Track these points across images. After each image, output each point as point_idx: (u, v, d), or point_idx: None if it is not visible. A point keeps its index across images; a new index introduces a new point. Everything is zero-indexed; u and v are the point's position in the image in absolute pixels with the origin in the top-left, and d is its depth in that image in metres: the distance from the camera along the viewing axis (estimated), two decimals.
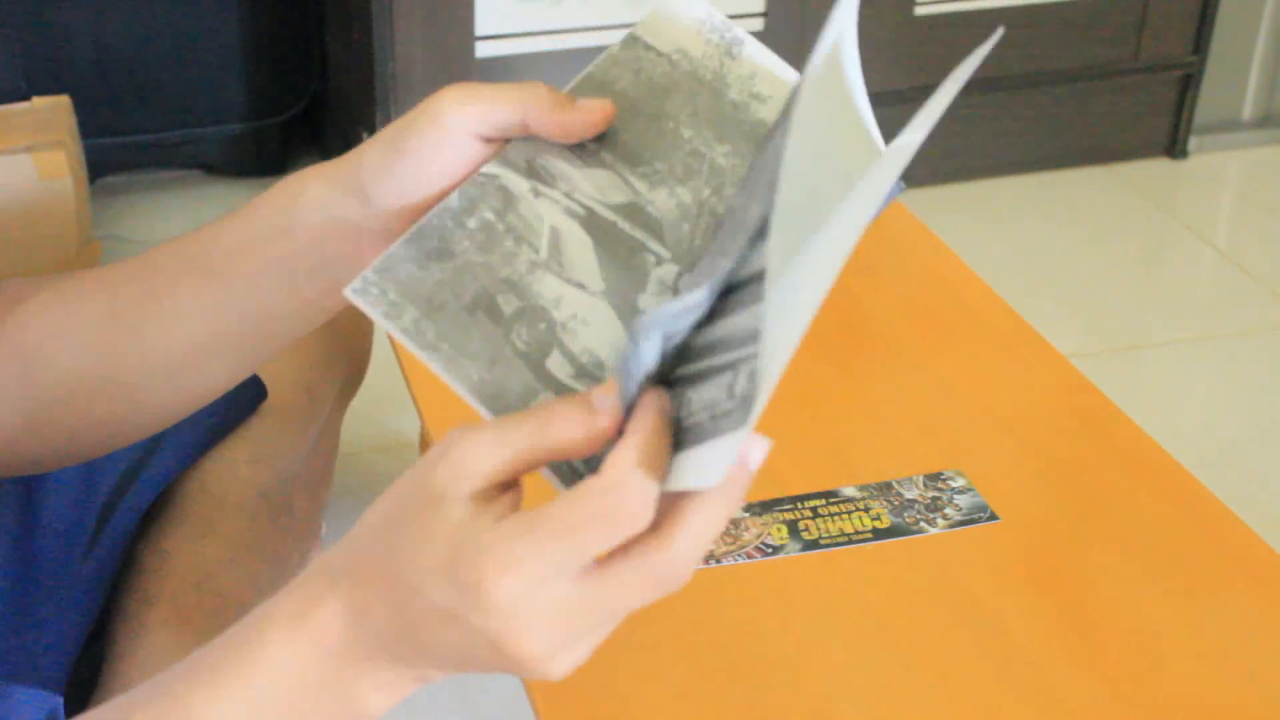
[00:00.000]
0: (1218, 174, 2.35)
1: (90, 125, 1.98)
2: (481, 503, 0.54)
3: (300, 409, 1.14)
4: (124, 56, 2.02)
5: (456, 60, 1.90)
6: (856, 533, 0.96)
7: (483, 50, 1.91)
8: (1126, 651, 0.89)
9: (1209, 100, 2.37)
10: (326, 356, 1.20)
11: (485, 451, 0.55)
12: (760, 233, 0.59)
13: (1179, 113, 2.33)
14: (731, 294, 0.59)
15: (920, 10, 2.08)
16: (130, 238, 2.04)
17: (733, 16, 0.73)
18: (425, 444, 1.56)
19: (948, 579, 0.93)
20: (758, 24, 1.99)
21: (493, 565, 0.53)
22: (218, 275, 0.72)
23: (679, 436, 0.56)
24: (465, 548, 0.53)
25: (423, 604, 0.55)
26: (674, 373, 0.58)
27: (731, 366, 0.55)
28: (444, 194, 0.66)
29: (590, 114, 0.66)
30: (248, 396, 1.09)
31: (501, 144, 0.67)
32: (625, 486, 0.53)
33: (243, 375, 0.77)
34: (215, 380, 0.76)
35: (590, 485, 0.53)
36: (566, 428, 0.55)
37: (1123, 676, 0.87)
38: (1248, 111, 2.46)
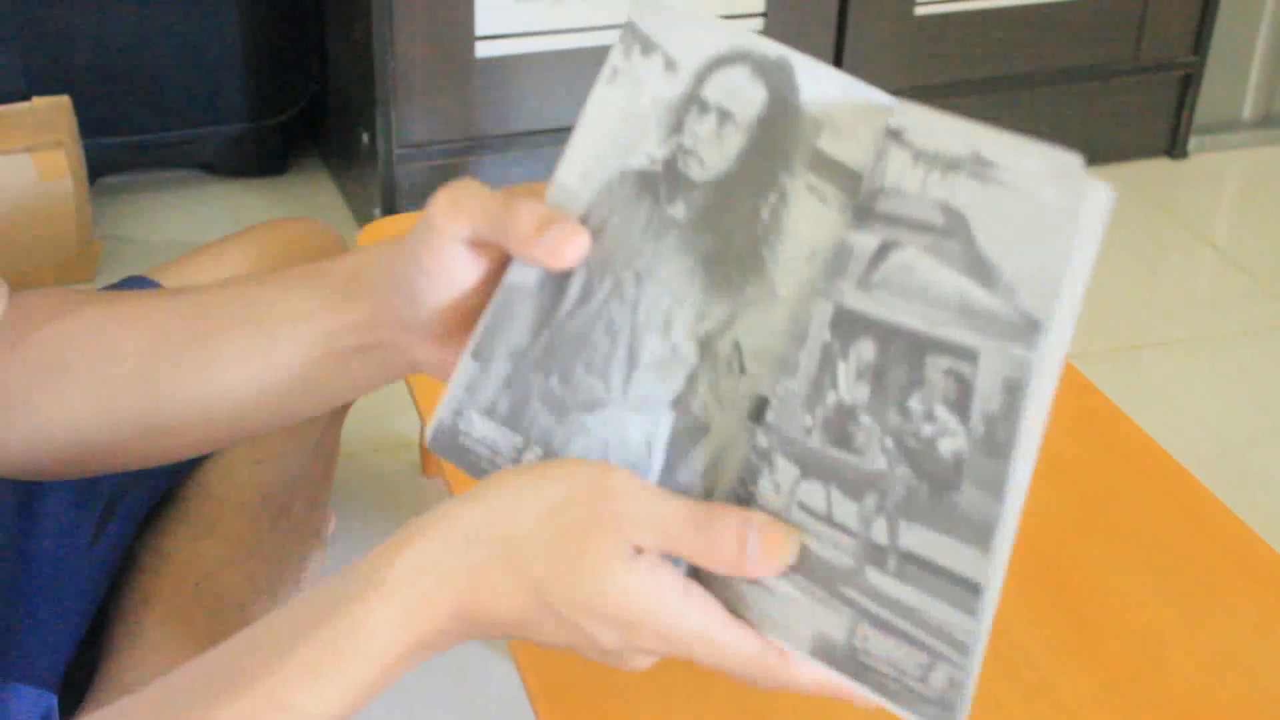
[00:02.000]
0: (1218, 174, 2.35)
1: (90, 125, 1.98)
2: (641, 560, 0.60)
3: None
4: (124, 56, 2.02)
5: (456, 60, 1.90)
6: None
7: (483, 50, 1.91)
8: (1126, 651, 0.89)
9: (1209, 100, 2.37)
10: None
11: (647, 532, 0.60)
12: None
13: (1179, 113, 2.33)
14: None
15: (920, 10, 2.08)
16: (130, 238, 2.04)
17: (733, 17, 0.72)
18: (425, 444, 1.56)
19: None
20: (757, 24, 1.99)
21: (660, 639, 0.60)
22: (267, 335, 0.71)
23: (838, 648, 0.59)
24: (646, 616, 0.59)
25: (573, 631, 0.61)
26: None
27: (926, 648, 0.57)
28: (473, 289, 0.67)
29: (559, 243, 0.64)
30: None
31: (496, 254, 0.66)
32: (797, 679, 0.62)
33: (277, 426, 0.76)
34: (250, 428, 0.76)
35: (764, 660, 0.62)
36: (717, 559, 0.60)
37: (1123, 676, 0.87)
38: (1248, 111, 2.46)
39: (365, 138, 1.97)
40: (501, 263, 0.67)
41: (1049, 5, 2.15)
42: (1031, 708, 0.85)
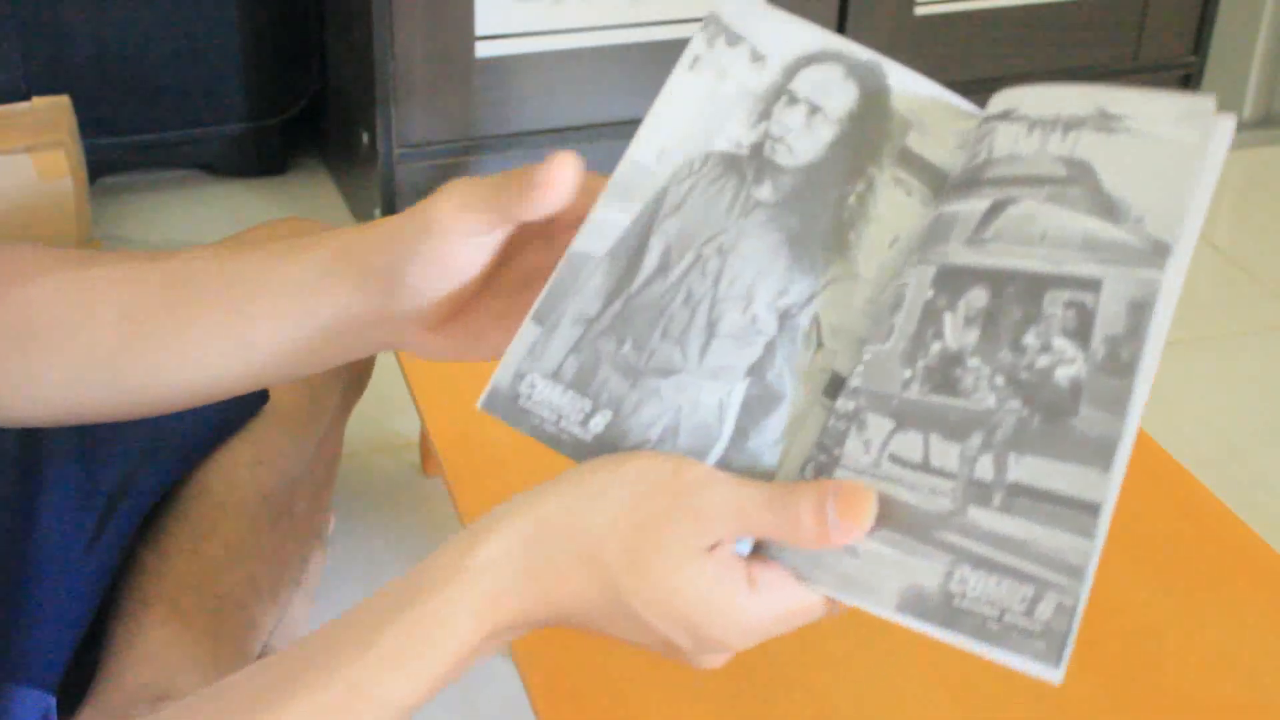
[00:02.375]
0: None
1: (90, 125, 1.98)
2: (713, 557, 0.61)
3: (303, 411, 1.13)
4: (124, 56, 2.02)
5: (456, 60, 1.90)
6: None
7: (483, 50, 1.91)
8: (1126, 651, 0.89)
9: None
10: None
11: (726, 522, 0.61)
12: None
13: None
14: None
15: (920, 10, 2.08)
16: (130, 238, 2.04)
17: None
18: (425, 444, 1.56)
19: None
20: None
21: (737, 637, 0.62)
22: (246, 310, 0.71)
23: (930, 598, 0.59)
24: (712, 615, 0.61)
25: (643, 630, 0.62)
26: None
27: (1032, 580, 0.57)
28: (471, 281, 0.68)
29: (549, 177, 0.66)
30: (250, 399, 1.09)
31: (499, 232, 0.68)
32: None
33: (262, 386, 0.77)
34: (230, 393, 0.76)
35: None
36: (800, 537, 0.61)
37: (1123, 676, 0.87)
38: (1248, 111, 2.46)
39: (365, 138, 1.97)
40: (502, 253, 0.68)
41: (1049, 5, 2.15)
42: (1031, 708, 0.85)
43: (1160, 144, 0.57)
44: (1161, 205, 0.57)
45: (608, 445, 0.67)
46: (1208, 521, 1.00)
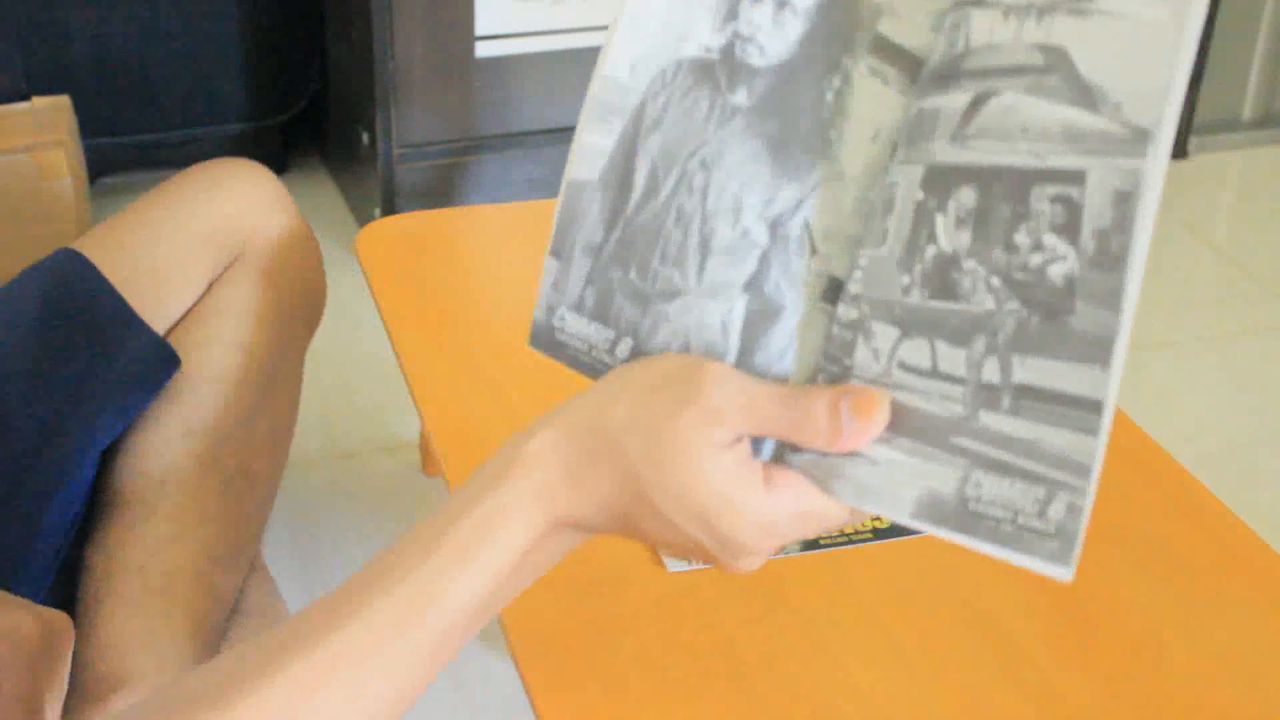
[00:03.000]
0: (1218, 174, 2.35)
1: (90, 125, 1.98)
2: (728, 453, 0.61)
3: (235, 368, 1.10)
4: (124, 56, 2.02)
5: (456, 60, 1.90)
6: (856, 533, 0.96)
7: (483, 50, 1.91)
8: (1126, 651, 0.89)
9: (1209, 100, 2.37)
10: (261, 306, 1.14)
11: (740, 417, 0.61)
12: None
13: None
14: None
15: None
16: None
17: None
18: (425, 444, 1.56)
19: (948, 579, 0.93)
20: None
21: (755, 535, 0.61)
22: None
23: (946, 503, 0.59)
24: (725, 509, 0.61)
25: (666, 526, 0.62)
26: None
27: (1044, 480, 0.57)
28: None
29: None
30: (154, 373, 1.05)
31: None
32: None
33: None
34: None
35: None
36: (813, 435, 0.61)
37: (1123, 676, 0.87)
38: (1248, 111, 2.46)
39: (365, 138, 1.97)
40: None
41: None
42: (1031, 708, 0.85)
43: (1134, 24, 0.56)
44: (1139, 89, 0.56)
45: None
46: (1208, 521, 1.00)
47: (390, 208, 1.96)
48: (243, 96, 2.11)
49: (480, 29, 1.89)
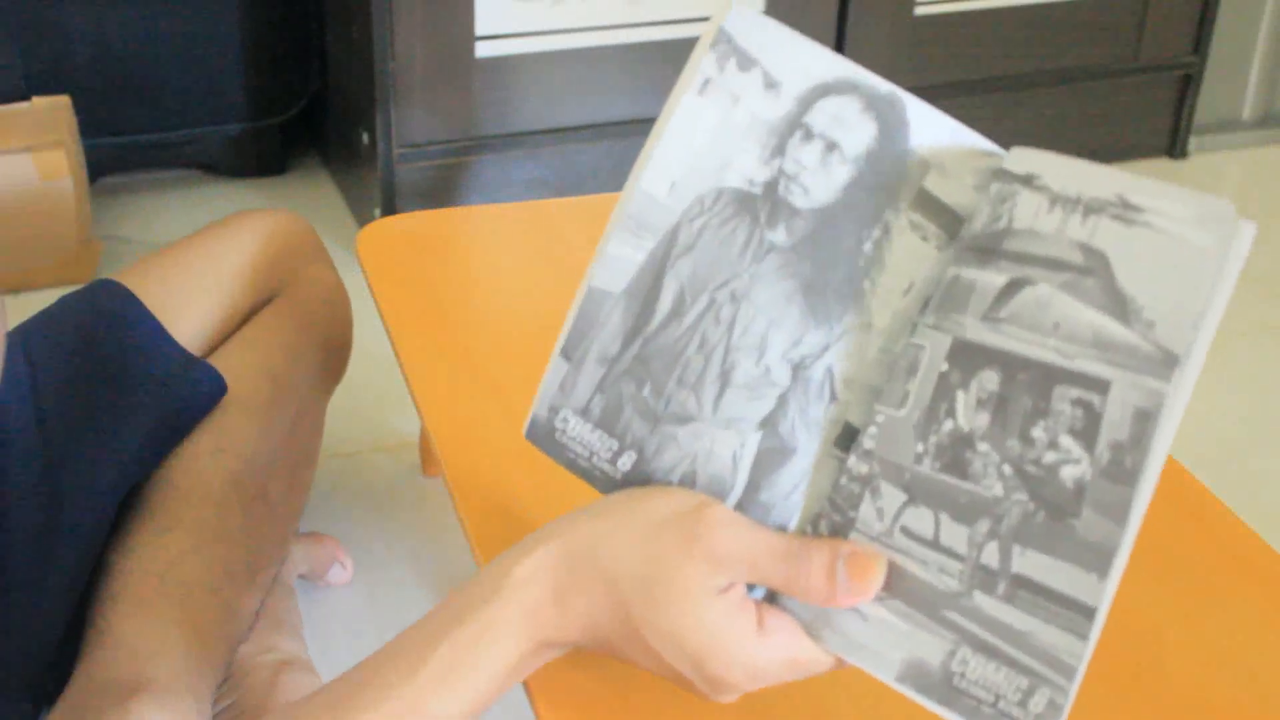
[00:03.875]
0: (1218, 174, 2.35)
1: (90, 125, 1.98)
2: (723, 598, 0.62)
3: (265, 396, 1.13)
4: (124, 56, 2.02)
5: (456, 60, 1.90)
6: None
7: (482, 50, 1.91)
8: (1126, 651, 0.89)
9: (1209, 100, 2.37)
10: (293, 342, 1.19)
11: (739, 566, 0.62)
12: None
13: (1179, 113, 2.33)
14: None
15: (920, 10, 2.08)
16: (130, 238, 2.04)
17: None
18: (425, 444, 1.56)
19: None
20: None
21: (742, 678, 0.63)
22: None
23: (931, 674, 0.60)
24: (716, 653, 0.62)
25: (654, 659, 0.63)
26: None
27: (1029, 672, 0.58)
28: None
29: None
30: (205, 393, 1.09)
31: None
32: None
33: None
34: None
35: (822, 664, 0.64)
36: (808, 591, 0.62)
37: (1123, 676, 0.87)
38: (1248, 111, 2.46)
39: (365, 138, 1.97)
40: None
41: (1049, 5, 2.15)
42: None
43: (1178, 244, 0.56)
44: (1174, 312, 0.56)
45: (635, 484, 0.68)
46: (1208, 521, 1.00)
47: (390, 208, 1.96)
48: (243, 96, 2.11)
49: (480, 29, 1.89)
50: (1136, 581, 0.94)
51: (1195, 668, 0.88)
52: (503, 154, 1.98)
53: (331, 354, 1.26)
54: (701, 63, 0.67)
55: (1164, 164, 2.34)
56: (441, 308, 1.24)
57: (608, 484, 0.69)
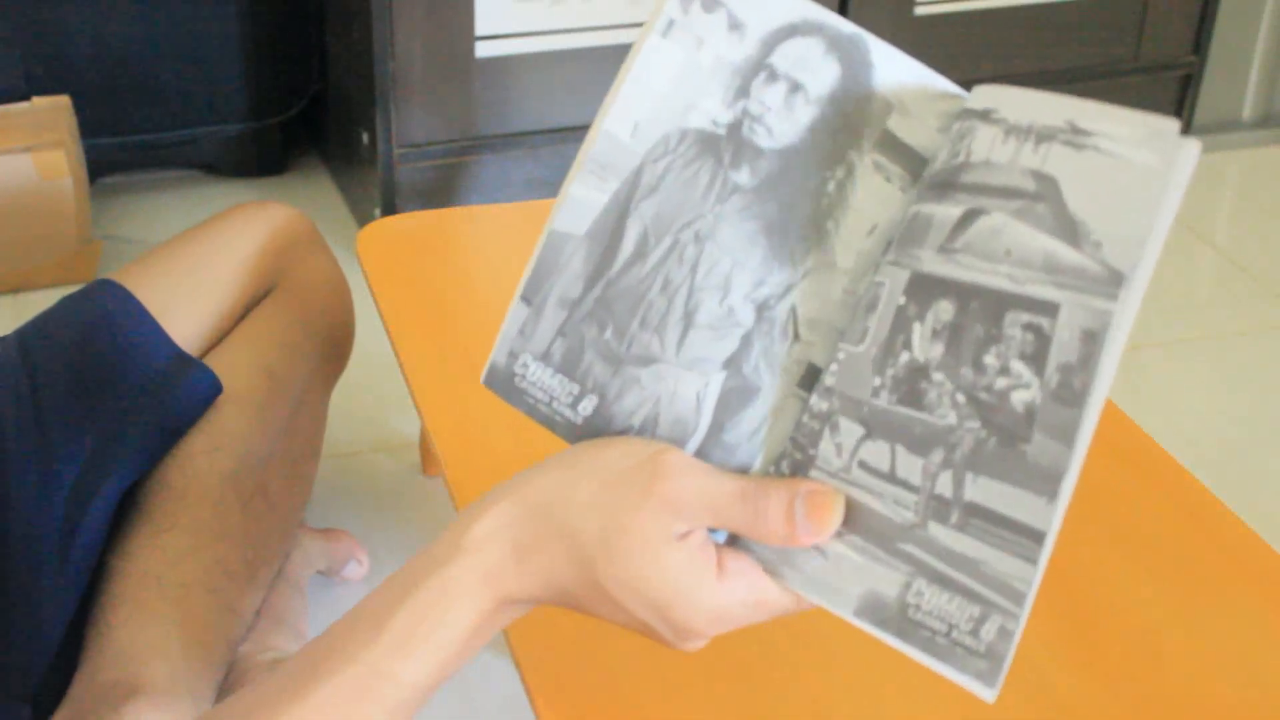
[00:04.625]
0: (1218, 174, 2.35)
1: (90, 125, 1.98)
2: (683, 544, 0.62)
3: (261, 392, 1.13)
4: (124, 56, 2.02)
5: (456, 60, 1.90)
6: None
7: (482, 50, 1.91)
8: (1126, 651, 0.89)
9: (1209, 100, 2.37)
10: (291, 336, 1.19)
11: (697, 512, 0.62)
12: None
13: (1179, 113, 2.33)
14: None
15: (920, 10, 2.08)
16: (130, 238, 2.04)
17: None
18: (425, 444, 1.56)
19: None
20: None
21: (705, 623, 0.63)
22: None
23: (887, 607, 0.60)
24: (678, 600, 0.62)
25: (618, 610, 0.63)
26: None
27: (980, 600, 0.58)
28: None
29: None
30: (201, 394, 1.09)
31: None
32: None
33: None
34: None
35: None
36: (767, 533, 0.62)
37: (1123, 676, 0.87)
38: (1248, 111, 2.46)
39: (365, 138, 1.97)
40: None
41: (1049, 5, 2.15)
42: (1031, 707, 0.85)
43: (1124, 166, 0.57)
44: (1121, 231, 0.57)
45: (596, 429, 0.68)
46: (1208, 521, 1.00)
47: (390, 208, 1.96)
48: (243, 96, 2.11)
49: (480, 29, 1.89)
50: (1136, 581, 0.94)
51: (1195, 668, 0.88)
52: (502, 154, 1.98)
53: (333, 344, 1.25)
54: (666, 4, 0.67)
55: None
56: (441, 308, 1.24)
57: (568, 430, 0.68)
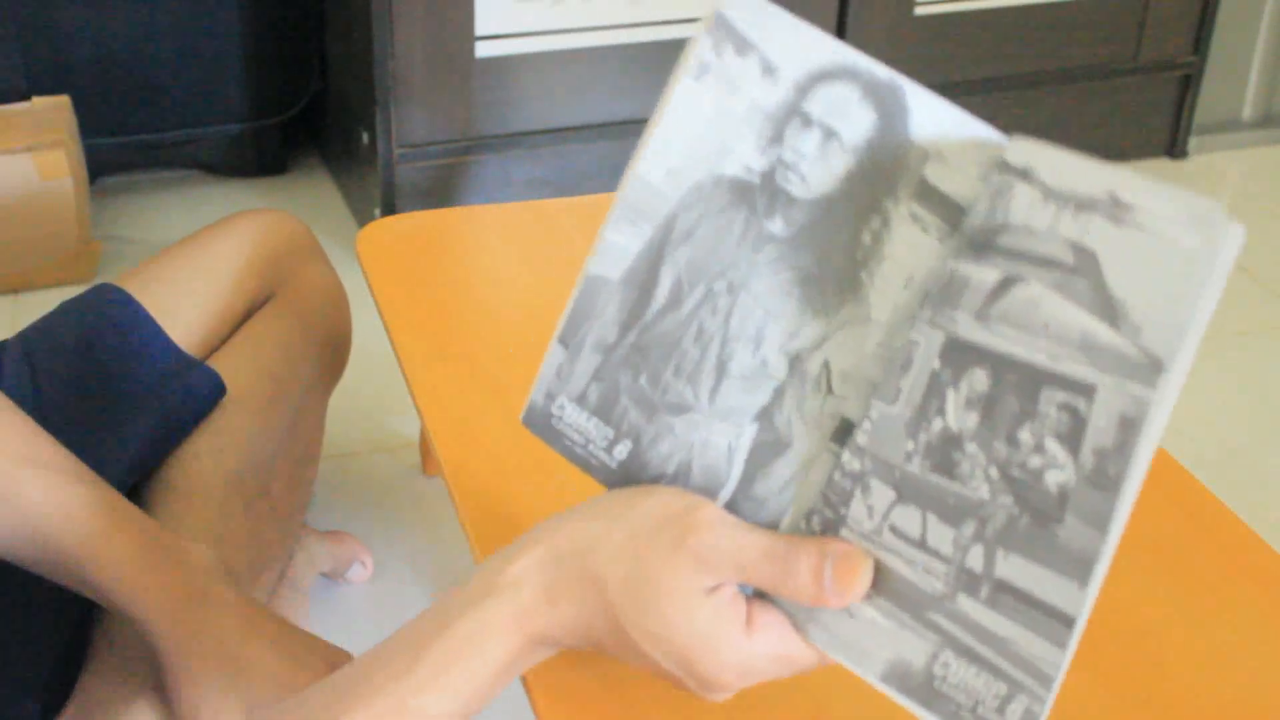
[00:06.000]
0: (1218, 174, 2.35)
1: (90, 125, 1.98)
2: (712, 598, 0.62)
3: (264, 395, 1.14)
4: (124, 56, 2.02)
5: (456, 60, 1.90)
6: None
7: (482, 50, 1.91)
8: (1126, 651, 0.89)
9: (1209, 100, 2.37)
10: (291, 341, 1.20)
11: (726, 568, 0.62)
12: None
13: (1179, 113, 2.33)
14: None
15: (920, 10, 2.08)
16: (130, 238, 2.04)
17: None
18: (425, 444, 1.56)
19: None
20: None
21: (733, 677, 0.63)
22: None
23: (914, 675, 0.60)
24: (705, 653, 0.62)
25: (645, 660, 0.63)
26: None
27: (1007, 679, 0.58)
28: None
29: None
30: (204, 395, 1.09)
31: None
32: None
33: None
34: None
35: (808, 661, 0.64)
36: (795, 592, 0.62)
37: (1123, 676, 0.87)
38: (1248, 111, 2.46)
39: (365, 138, 1.97)
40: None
41: (1049, 5, 2.15)
42: None
43: (1167, 247, 0.55)
44: (1161, 315, 0.55)
45: (630, 473, 0.68)
46: (1208, 521, 1.00)
47: (390, 208, 1.96)
48: (243, 96, 2.11)
49: (480, 29, 1.89)
50: (1136, 581, 0.94)
51: (1195, 668, 0.88)
52: (502, 154, 1.98)
53: (331, 352, 1.26)
54: (698, 48, 0.65)
55: (1164, 164, 2.34)
56: (441, 308, 1.24)
57: (603, 472, 0.68)
